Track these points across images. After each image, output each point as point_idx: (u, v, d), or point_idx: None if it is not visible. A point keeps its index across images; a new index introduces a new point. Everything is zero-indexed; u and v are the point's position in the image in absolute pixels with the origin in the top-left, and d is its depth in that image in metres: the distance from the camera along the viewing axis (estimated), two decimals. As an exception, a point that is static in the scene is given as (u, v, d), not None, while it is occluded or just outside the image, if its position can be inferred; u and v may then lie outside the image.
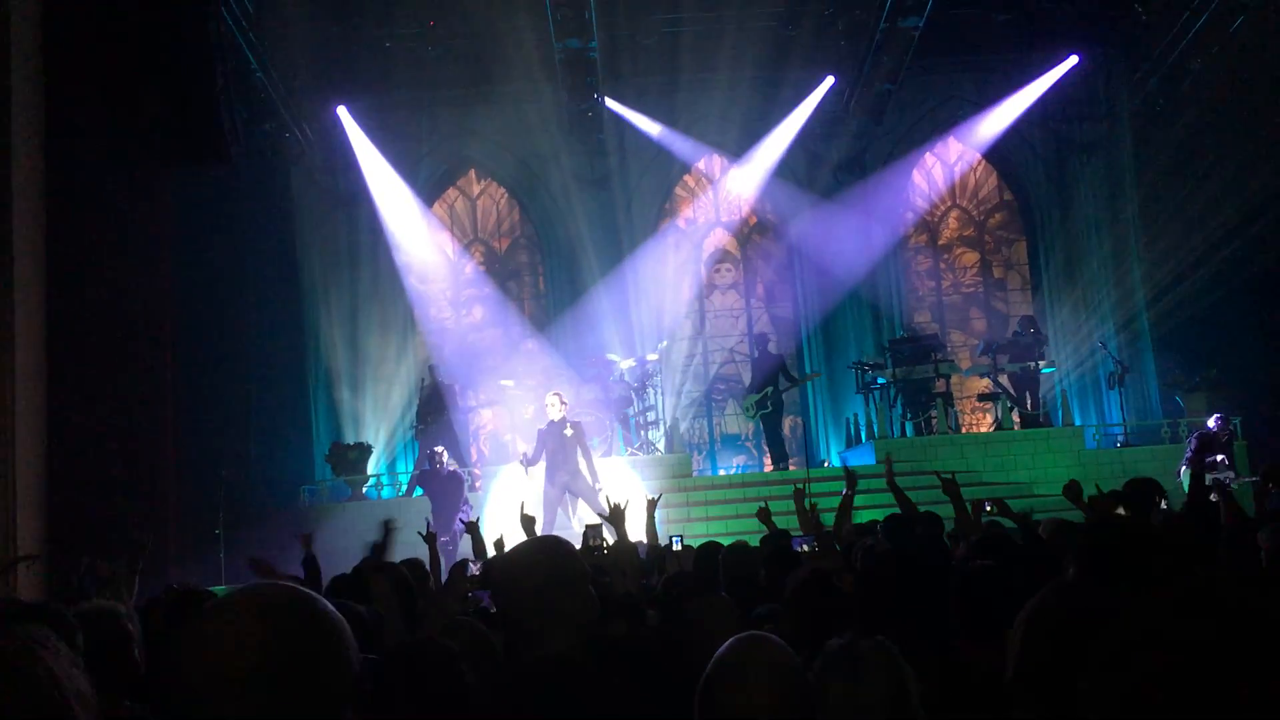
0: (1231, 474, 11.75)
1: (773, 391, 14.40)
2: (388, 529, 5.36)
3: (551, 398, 11.89)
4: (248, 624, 1.39)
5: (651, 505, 6.13)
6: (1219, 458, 11.91)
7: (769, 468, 15.19)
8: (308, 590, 1.48)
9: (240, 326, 14.16)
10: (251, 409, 14.30)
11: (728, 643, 2.03)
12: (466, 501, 12.38)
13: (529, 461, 11.67)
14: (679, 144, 17.15)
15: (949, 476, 5.69)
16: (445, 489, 12.31)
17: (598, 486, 11.58)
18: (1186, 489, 11.01)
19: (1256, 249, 14.55)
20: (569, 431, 11.60)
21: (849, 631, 2.16)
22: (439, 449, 12.77)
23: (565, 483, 11.61)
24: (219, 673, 1.35)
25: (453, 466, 12.70)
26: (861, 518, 8.57)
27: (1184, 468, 11.93)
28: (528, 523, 6.07)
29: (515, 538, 6.18)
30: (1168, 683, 1.24)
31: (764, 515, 6.24)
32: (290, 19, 13.99)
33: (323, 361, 16.49)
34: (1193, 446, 12.24)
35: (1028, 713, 1.89)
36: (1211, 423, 12.59)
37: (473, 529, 6.14)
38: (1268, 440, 13.06)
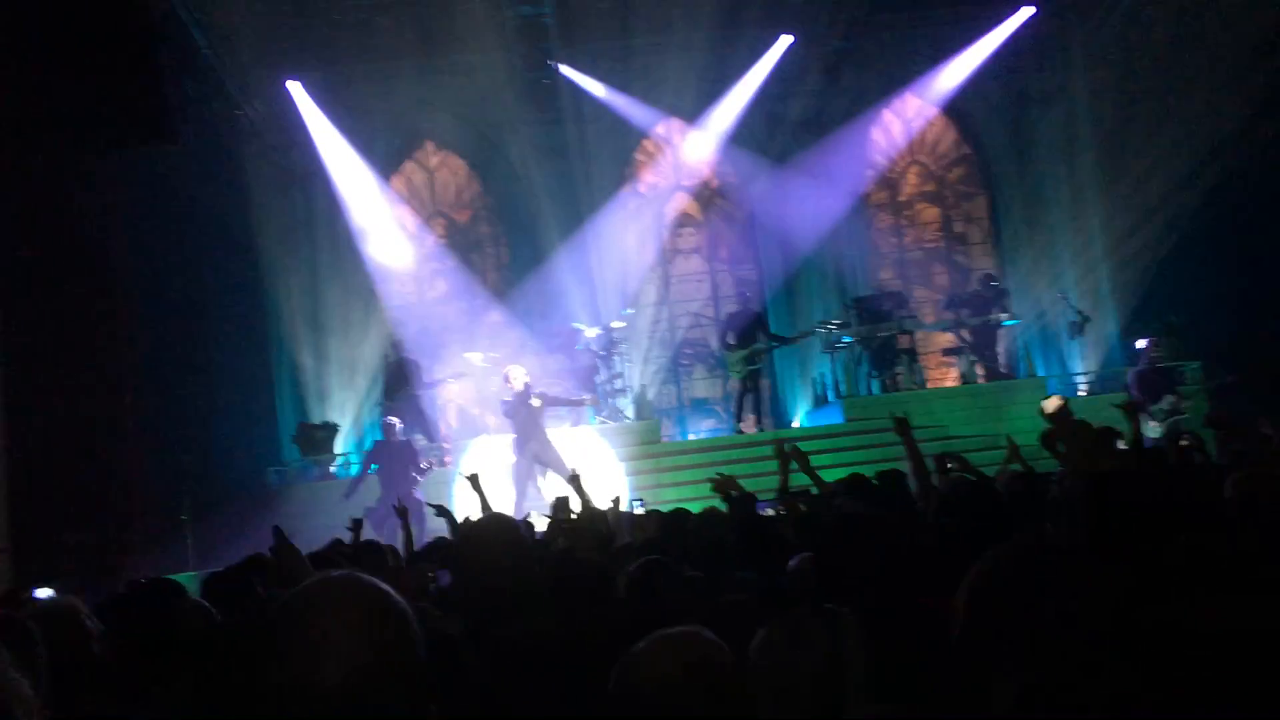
0: (1183, 414, 11.94)
1: (760, 349, 14.39)
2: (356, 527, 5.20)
3: (514, 370, 11.87)
4: (343, 626, 1.32)
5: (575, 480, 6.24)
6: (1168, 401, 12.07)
7: (739, 431, 15.22)
8: (372, 579, 1.41)
9: (198, 310, 13.98)
10: (214, 393, 14.15)
11: (645, 640, 1.97)
12: (419, 471, 12.17)
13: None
14: (637, 109, 17.02)
15: (901, 416, 5.61)
16: (396, 458, 12.15)
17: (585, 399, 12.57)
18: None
19: (1213, 195, 14.67)
20: (535, 402, 11.59)
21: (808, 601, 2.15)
22: (391, 419, 12.64)
23: (535, 452, 11.61)
24: (320, 681, 1.29)
25: (404, 437, 12.54)
26: (829, 477, 8.57)
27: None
28: (474, 483, 6.17)
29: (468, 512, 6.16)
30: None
31: (722, 485, 6.17)
32: (235, -7, 13.74)
33: (285, 342, 16.33)
34: (1132, 384, 12.50)
35: (973, 675, 1.87)
36: (1141, 344, 12.85)
37: (443, 512, 6.13)
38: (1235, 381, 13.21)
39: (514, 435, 11.71)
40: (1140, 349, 13.01)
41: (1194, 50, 14.95)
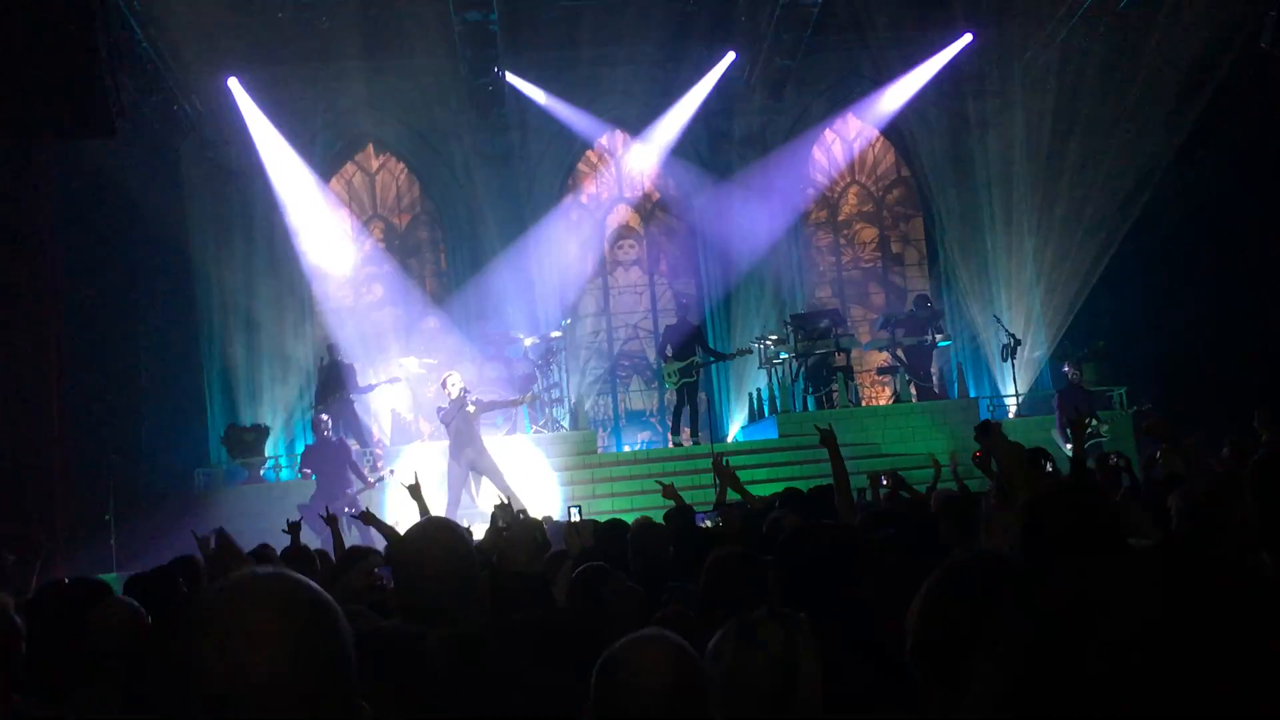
0: (1102, 438, 12.26)
1: (696, 362, 14.48)
2: (293, 531, 5.14)
3: (451, 376, 11.81)
4: (269, 621, 1.28)
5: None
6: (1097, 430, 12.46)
7: (673, 443, 15.27)
8: (301, 576, 1.37)
9: (129, 307, 13.72)
10: (142, 391, 13.88)
11: (622, 640, 2.01)
12: (360, 476, 12.03)
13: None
14: (581, 119, 17.03)
15: (826, 428, 5.63)
16: (331, 459, 12.01)
17: (522, 398, 12.55)
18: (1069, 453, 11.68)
19: (1143, 224, 15.09)
20: (471, 408, 11.53)
21: (765, 606, 2.18)
22: (324, 417, 12.48)
23: (471, 459, 11.54)
24: (245, 677, 1.24)
25: (326, 433, 12.36)
26: (763, 491, 8.66)
27: (1056, 432, 12.55)
28: (414, 492, 6.15)
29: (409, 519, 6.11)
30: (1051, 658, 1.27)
31: (670, 492, 6.24)
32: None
33: (217, 341, 16.05)
34: (1055, 406, 12.88)
35: (927, 687, 1.91)
36: (1065, 369, 13.29)
37: (369, 518, 6.06)
38: (1153, 409, 13.56)
39: (450, 441, 11.63)
40: (1064, 372, 13.41)
41: (1127, 83, 15.37)
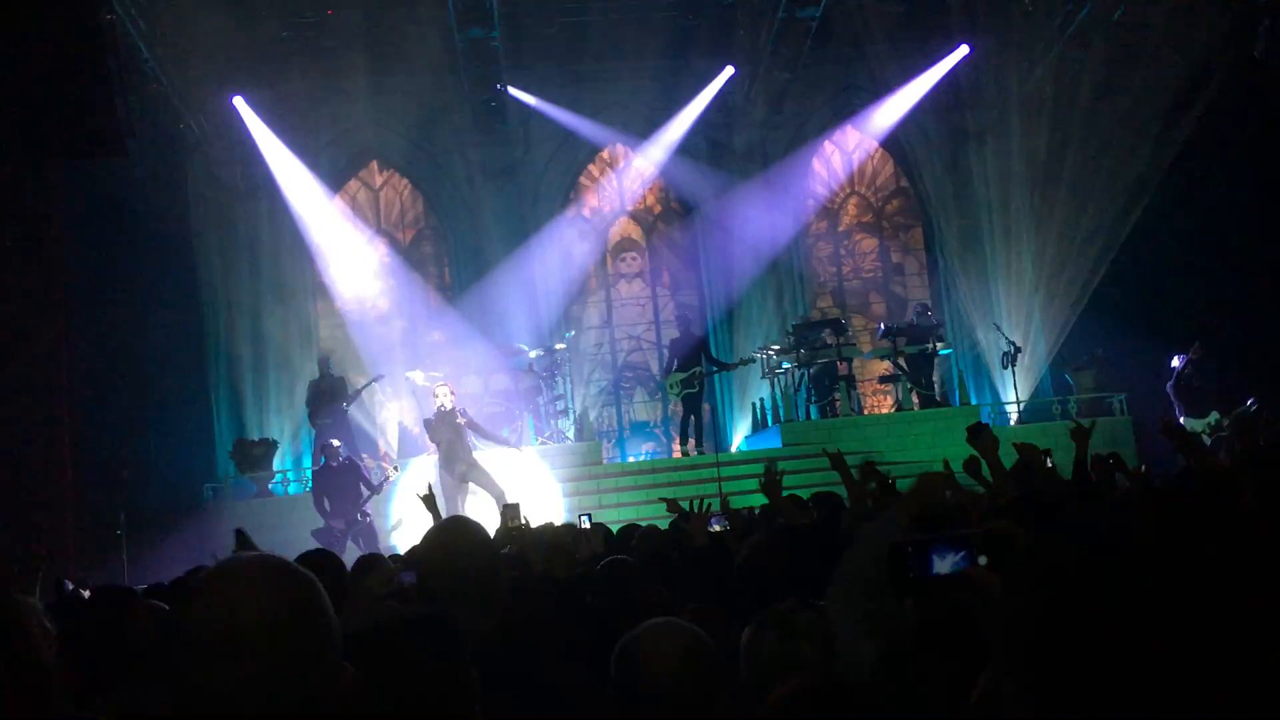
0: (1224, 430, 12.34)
1: (700, 371, 14.58)
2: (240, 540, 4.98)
3: (440, 388, 11.85)
4: (245, 586, 1.46)
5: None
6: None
7: (677, 453, 15.36)
8: (281, 556, 1.56)
9: (137, 322, 13.83)
10: (151, 407, 13.99)
11: (641, 626, 2.15)
12: (371, 487, 12.16)
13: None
14: (583, 134, 17.19)
15: (834, 452, 5.81)
16: (341, 482, 12.13)
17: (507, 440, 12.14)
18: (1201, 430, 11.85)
19: (1141, 231, 15.19)
20: (461, 420, 11.58)
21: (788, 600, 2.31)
22: (334, 442, 12.57)
23: (464, 473, 11.58)
24: (226, 634, 1.41)
25: (336, 461, 12.38)
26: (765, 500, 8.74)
27: (1182, 419, 12.69)
28: (429, 503, 6.29)
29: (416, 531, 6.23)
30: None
31: (673, 506, 6.38)
32: (182, 7, 13.68)
33: (224, 357, 16.16)
34: (1173, 390, 13.01)
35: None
36: (1176, 362, 13.33)
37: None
38: (1151, 416, 13.65)
39: (440, 454, 11.65)
40: (1175, 367, 13.47)
41: (1123, 92, 15.50)
